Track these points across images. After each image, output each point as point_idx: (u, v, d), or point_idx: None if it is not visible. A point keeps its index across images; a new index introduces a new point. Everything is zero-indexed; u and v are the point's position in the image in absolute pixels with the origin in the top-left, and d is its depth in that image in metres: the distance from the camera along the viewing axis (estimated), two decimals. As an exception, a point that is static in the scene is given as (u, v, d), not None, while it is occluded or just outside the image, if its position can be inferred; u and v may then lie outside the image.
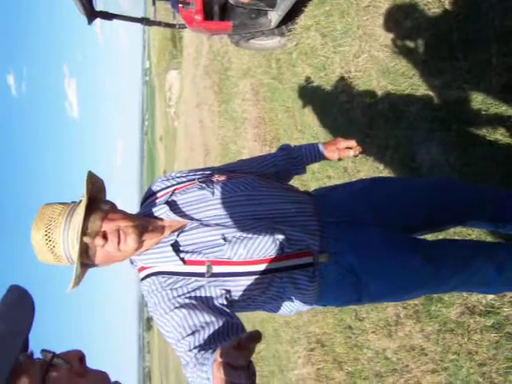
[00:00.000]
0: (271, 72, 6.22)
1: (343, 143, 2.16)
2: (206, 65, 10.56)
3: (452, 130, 3.12)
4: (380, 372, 3.67)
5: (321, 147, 2.16)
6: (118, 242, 1.65)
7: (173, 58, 24.80)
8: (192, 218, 1.77)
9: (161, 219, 1.79)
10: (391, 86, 3.72)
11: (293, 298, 1.80)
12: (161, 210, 1.80)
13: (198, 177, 1.91)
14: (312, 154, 2.16)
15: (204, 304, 1.63)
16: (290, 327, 5.38)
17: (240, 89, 7.64)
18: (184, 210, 1.79)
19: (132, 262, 1.82)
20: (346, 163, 4.27)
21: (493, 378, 2.69)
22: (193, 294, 1.65)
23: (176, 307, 1.61)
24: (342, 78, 4.40)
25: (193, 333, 1.54)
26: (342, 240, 1.84)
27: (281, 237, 1.74)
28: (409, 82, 3.53)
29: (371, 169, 3.89)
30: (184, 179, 1.91)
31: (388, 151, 3.69)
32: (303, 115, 5.23)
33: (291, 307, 1.85)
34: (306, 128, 5.15)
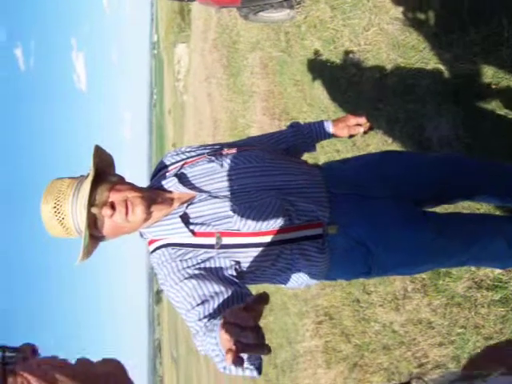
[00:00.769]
0: (280, 45, 6.18)
1: (353, 120, 2.13)
2: (215, 38, 10.47)
3: (462, 104, 3.10)
4: (387, 345, 3.70)
5: (330, 124, 2.14)
6: (126, 213, 1.65)
7: (181, 32, 24.56)
8: (201, 190, 1.76)
9: (170, 192, 1.79)
10: (401, 59, 3.69)
11: (303, 270, 1.79)
12: (170, 183, 1.80)
13: (207, 151, 1.90)
14: (322, 131, 2.13)
15: (213, 274, 1.63)
16: (299, 300, 5.42)
17: (249, 62, 7.59)
18: (193, 182, 1.79)
19: (142, 235, 1.82)
20: (354, 137, 4.24)
21: (499, 351, 2.71)
22: (202, 265, 1.65)
23: (185, 278, 1.61)
24: (351, 52, 4.37)
25: (202, 302, 1.54)
26: (352, 212, 1.83)
27: (290, 207, 1.74)
28: (419, 55, 3.50)
29: (380, 142, 3.87)
30: (193, 153, 1.90)
31: (397, 125, 3.67)
32: (312, 88, 5.20)
33: (301, 280, 1.84)
34: (315, 101, 5.12)
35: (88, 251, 1.72)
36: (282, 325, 6.09)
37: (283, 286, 1.88)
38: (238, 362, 1.01)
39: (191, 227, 1.69)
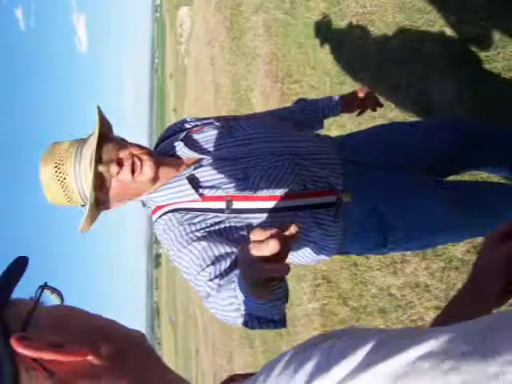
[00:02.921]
0: (284, 7, 6.09)
1: (361, 95, 2.11)
2: (218, 0, 10.34)
3: (467, 68, 3.06)
4: (384, 308, 3.72)
5: (339, 100, 2.09)
6: (134, 170, 1.58)
7: (184, -6, 24.28)
8: (209, 154, 1.71)
9: (176, 157, 1.74)
10: (407, 21, 3.64)
11: (316, 241, 1.73)
12: (176, 147, 1.74)
13: (213, 120, 1.86)
14: (329, 106, 2.08)
15: (223, 237, 1.59)
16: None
17: (252, 24, 7.50)
18: (200, 146, 1.73)
19: (144, 204, 1.76)
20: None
21: (495, 314, 2.72)
22: (212, 229, 1.59)
23: (194, 240, 1.56)
24: (356, 13, 4.30)
25: (213, 263, 1.50)
26: (363, 181, 1.79)
27: (304, 172, 1.69)
28: (425, 17, 3.45)
29: (384, 107, 3.84)
30: (199, 123, 1.86)
31: (400, 88, 3.64)
32: (316, 51, 5.14)
33: (314, 253, 1.75)
34: (319, 64, 5.07)
35: (92, 217, 1.65)
36: (279, 288, 6.12)
37: (297, 261, 1.80)
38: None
39: (200, 190, 1.63)
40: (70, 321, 0.67)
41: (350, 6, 4.42)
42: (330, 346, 0.52)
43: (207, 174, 1.66)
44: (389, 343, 0.50)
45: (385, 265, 3.71)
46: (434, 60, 3.34)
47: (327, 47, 4.88)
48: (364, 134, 2.07)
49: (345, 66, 4.52)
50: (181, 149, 1.72)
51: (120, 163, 1.58)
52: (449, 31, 3.25)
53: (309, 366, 0.50)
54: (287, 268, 1.03)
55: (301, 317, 5.21)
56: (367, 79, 4.08)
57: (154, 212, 1.71)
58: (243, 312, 1.39)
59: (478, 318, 0.51)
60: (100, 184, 1.58)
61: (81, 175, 1.55)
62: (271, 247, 0.99)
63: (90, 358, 0.61)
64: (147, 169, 1.60)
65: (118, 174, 1.57)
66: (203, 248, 1.53)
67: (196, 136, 1.76)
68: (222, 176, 1.65)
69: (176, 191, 1.65)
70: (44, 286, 0.68)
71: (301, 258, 1.76)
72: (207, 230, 1.58)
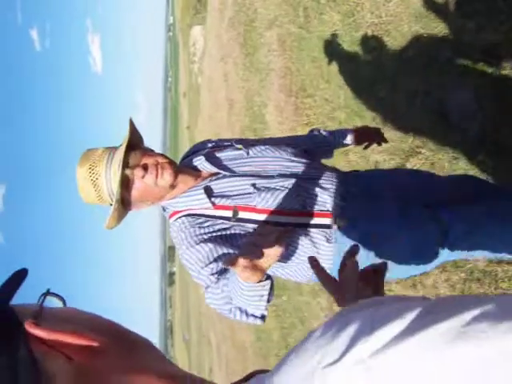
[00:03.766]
0: (298, 21, 6.09)
1: (370, 132, 2.37)
2: (231, 16, 10.38)
3: (485, 76, 3.02)
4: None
5: (350, 135, 2.29)
6: (156, 175, 1.79)
7: (197, 13, 24.54)
8: (226, 169, 1.93)
9: (196, 169, 1.96)
10: (423, 30, 3.61)
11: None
12: (197, 161, 1.96)
13: (234, 141, 2.07)
14: (340, 140, 2.30)
15: (227, 242, 1.80)
16: (312, 279, 5.38)
17: (266, 39, 7.51)
18: (219, 162, 1.95)
19: (164, 209, 1.98)
20: (374, 113, 4.19)
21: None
22: (218, 233, 1.81)
23: (201, 241, 1.78)
24: (371, 24, 4.28)
25: (215, 260, 1.72)
26: (361, 209, 1.91)
27: (305, 194, 1.87)
28: (441, 26, 3.42)
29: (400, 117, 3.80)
30: (220, 144, 2.09)
31: (417, 98, 3.60)
32: (330, 65, 5.12)
33: (308, 270, 1.85)
34: (333, 78, 5.05)
35: (118, 215, 1.86)
36: (295, 304, 6.08)
37: (292, 278, 1.98)
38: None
39: (212, 199, 1.85)
40: (79, 315, 0.69)
41: (365, 16, 4.39)
42: (373, 311, 0.52)
43: (221, 186, 1.89)
44: (436, 310, 0.49)
45: (404, 278, 3.64)
46: (451, 68, 3.30)
47: (341, 60, 4.87)
48: (368, 173, 2.28)
49: (360, 78, 4.49)
50: (201, 163, 1.95)
51: (145, 168, 1.80)
52: (466, 38, 3.21)
53: (351, 329, 0.50)
54: (262, 255, 1.38)
55: (317, 332, 5.14)
56: (383, 90, 4.04)
57: (171, 216, 1.94)
58: (232, 306, 1.66)
59: None
60: (126, 184, 1.79)
61: (111, 177, 1.77)
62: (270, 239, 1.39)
63: (103, 346, 0.62)
64: (167, 175, 1.82)
65: (143, 177, 1.79)
66: (210, 249, 1.75)
67: (217, 154, 1.99)
68: (233, 189, 1.87)
69: (192, 199, 1.88)
70: (47, 293, 0.69)
71: (297, 275, 1.94)
72: (214, 234, 1.81)
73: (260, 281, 1.50)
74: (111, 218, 1.83)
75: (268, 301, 1.60)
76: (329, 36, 5.14)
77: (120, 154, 1.78)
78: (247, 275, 1.40)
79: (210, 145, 2.09)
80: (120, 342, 0.66)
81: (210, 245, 1.76)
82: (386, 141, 2.38)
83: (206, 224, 1.83)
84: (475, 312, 0.45)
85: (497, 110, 2.91)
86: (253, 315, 1.65)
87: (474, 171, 2.98)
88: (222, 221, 1.83)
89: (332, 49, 5.07)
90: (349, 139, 2.30)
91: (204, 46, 20.52)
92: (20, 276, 0.68)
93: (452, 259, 2.16)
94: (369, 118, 4.23)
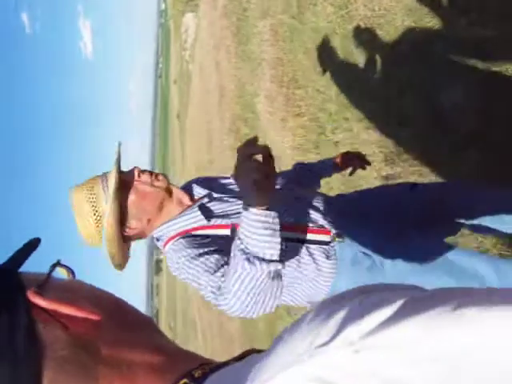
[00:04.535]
0: (291, 11, 6.08)
1: (353, 157, 2.38)
2: (225, 5, 10.35)
3: (477, 71, 3.05)
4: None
5: (332, 164, 2.37)
6: (151, 175, 1.85)
7: (190, 0, 24.36)
8: (219, 191, 1.95)
9: (190, 196, 1.95)
10: (415, 24, 3.62)
11: (310, 275, 1.86)
12: (190, 189, 1.99)
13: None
14: (324, 171, 2.41)
15: (229, 256, 1.72)
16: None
17: (259, 29, 7.49)
18: (212, 186, 1.98)
19: (158, 239, 1.94)
20: (365, 106, 4.21)
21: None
22: (218, 248, 1.76)
23: (206, 253, 1.73)
24: (364, 17, 4.29)
25: (222, 266, 1.66)
26: (355, 228, 1.93)
27: (300, 211, 1.90)
28: (434, 20, 3.44)
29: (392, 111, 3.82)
30: (209, 177, 2.15)
31: (408, 92, 3.62)
32: (322, 56, 5.13)
33: (306, 290, 1.89)
34: (325, 70, 5.06)
35: (117, 236, 1.80)
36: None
37: (292, 302, 1.95)
38: None
39: (208, 219, 1.85)
40: (83, 288, 0.72)
41: (358, 9, 4.40)
42: (365, 297, 0.54)
43: (217, 207, 1.89)
44: (427, 297, 0.51)
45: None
46: (443, 63, 3.33)
47: (334, 52, 4.87)
48: (356, 195, 2.27)
49: (351, 70, 4.50)
50: (194, 188, 1.99)
51: (140, 175, 1.85)
52: (458, 34, 3.23)
53: (341, 314, 0.52)
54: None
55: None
56: (375, 83, 4.06)
57: (165, 244, 1.90)
58: (246, 257, 1.50)
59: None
60: (123, 186, 1.79)
61: (109, 190, 1.77)
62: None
63: (101, 319, 0.65)
64: (162, 177, 1.88)
65: (138, 175, 1.83)
66: (216, 259, 1.70)
67: (209, 180, 2.07)
68: (230, 208, 1.88)
69: (187, 218, 1.87)
70: (57, 264, 0.72)
71: (296, 297, 1.92)
72: (213, 248, 1.77)
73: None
74: (110, 242, 1.80)
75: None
76: (321, 28, 5.14)
77: (114, 173, 1.78)
78: (264, 186, 1.41)
79: (200, 178, 2.13)
80: (117, 315, 0.69)
81: (216, 255, 1.72)
82: (369, 163, 2.41)
83: (205, 241, 1.81)
84: (466, 299, 0.47)
85: (487, 104, 2.94)
86: (272, 260, 1.51)
87: (463, 167, 3.01)
88: (220, 240, 1.81)
89: (324, 40, 5.07)
90: (332, 167, 2.37)
91: (196, 33, 20.41)
92: (32, 245, 0.71)
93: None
94: (359, 111, 4.25)
